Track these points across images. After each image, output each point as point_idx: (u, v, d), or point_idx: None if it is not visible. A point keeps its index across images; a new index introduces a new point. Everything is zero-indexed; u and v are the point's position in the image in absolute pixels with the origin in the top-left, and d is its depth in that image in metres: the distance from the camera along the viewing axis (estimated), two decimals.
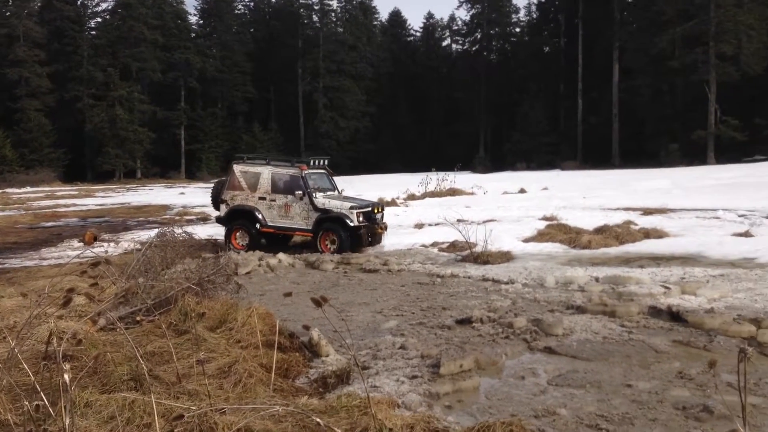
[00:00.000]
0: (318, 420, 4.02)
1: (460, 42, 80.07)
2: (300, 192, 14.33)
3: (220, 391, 5.02)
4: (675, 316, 8.01)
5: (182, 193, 40.03)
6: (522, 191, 28.30)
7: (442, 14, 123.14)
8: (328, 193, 15.03)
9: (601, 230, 14.90)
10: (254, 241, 14.61)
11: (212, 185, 16.35)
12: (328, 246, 14.19)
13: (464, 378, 5.94)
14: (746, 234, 13.84)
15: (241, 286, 8.27)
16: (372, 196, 26.26)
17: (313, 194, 14.42)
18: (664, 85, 52.63)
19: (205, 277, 7.53)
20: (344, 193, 15.85)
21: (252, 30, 78.77)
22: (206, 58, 70.44)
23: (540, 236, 15.02)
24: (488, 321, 7.97)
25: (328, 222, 14.24)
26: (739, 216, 16.74)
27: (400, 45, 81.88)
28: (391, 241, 15.40)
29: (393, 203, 24.93)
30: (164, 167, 66.33)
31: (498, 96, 69.78)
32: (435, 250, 14.56)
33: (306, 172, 14.62)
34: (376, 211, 14.80)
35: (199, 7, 74.88)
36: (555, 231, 15.18)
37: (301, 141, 72.32)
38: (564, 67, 66.32)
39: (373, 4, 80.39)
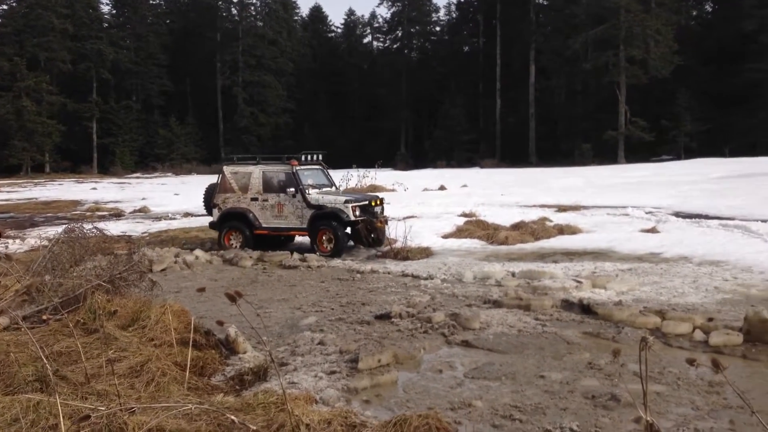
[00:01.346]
0: (232, 417, 3.95)
1: (381, 39, 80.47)
2: (292, 189, 13.49)
3: (132, 391, 4.87)
4: (586, 308, 8.29)
5: (94, 189, 38.62)
6: (442, 188, 28.66)
7: (363, 11, 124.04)
8: (324, 189, 14.17)
9: (517, 226, 15.26)
10: (248, 243, 13.86)
11: (205, 188, 15.11)
12: (326, 246, 13.24)
13: (382, 372, 5.97)
14: (653, 230, 14.45)
15: (156, 283, 8.03)
16: None
17: (306, 190, 13.56)
18: (578, 86, 54.40)
19: (116, 274, 7.28)
20: (341, 189, 15.22)
21: (168, 21, 76.65)
22: (120, 49, 68.13)
23: (459, 232, 15.26)
24: (407, 316, 8.04)
25: (323, 219, 13.33)
26: (647, 213, 17.47)
27: (321, 41, 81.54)
28: None
29: None
30: (75, 162, 63.71)
31: (419, 93, 70.41)
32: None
33: (297, 167, 13.77)
34: (374, 204, 13.91)
35: None
36: (474, 227, 15.44)
37: (220, 136, 71.03)
38: (483, 66, 67.54)
39: None
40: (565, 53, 52.62)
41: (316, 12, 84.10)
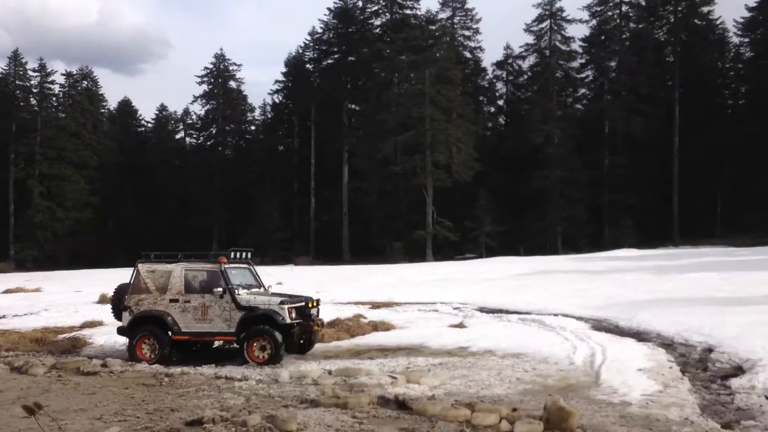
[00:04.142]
0: None
1: (195, 136, 79.52)
2: (219, 289, 12.10)
3: None
4: (401, 404, 8.40)
5: None
6: None
7: (176, 107, 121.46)
8: (254, 290, 12.89)
9: (333, 324, 15.35)
10: (165, 351, 12.14)
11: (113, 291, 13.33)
12: (257, 354, 11.80)
13: None
14: (460, 325, 15.19)
15: None
16: (95, 293, 24.45)
17: (236, 290, 12.27)
18: (389, 187, 56.99)
19: None
20: (271, 289, 13.56)
21: None
22: None
23: None
24: (221, 420, 7.65)
25: (255, 322, 11.95)
26: (454, 308, 18.39)
27: (130, 135, 78.86)
28: (114, 340, 14.32)
29: None
30: None
31: (233, 190, 69.95)
32: None
33: (226, 265, 12.50)
34: (310, 305, 12.70)
35: None
36: None
37: (10, 231, 65.24)
38: (297, 165, 68.81)
39: (100, 92, 76.98)
40: (376, 156, 55.17)
41: (125, 105, 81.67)
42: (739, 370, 9.88)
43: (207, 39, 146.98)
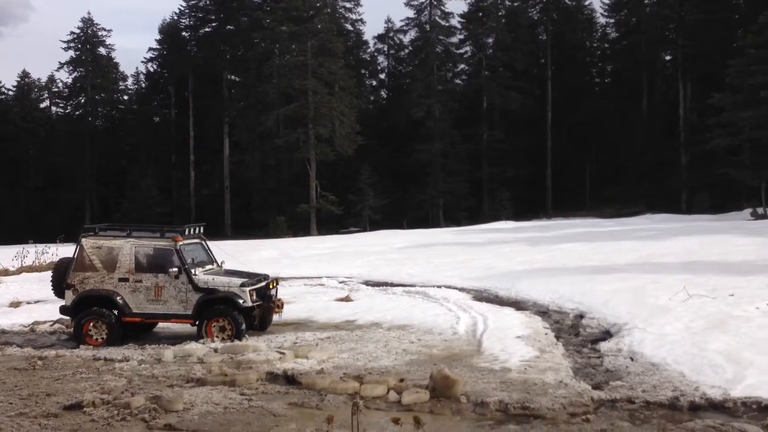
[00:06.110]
0: None
1: (62, 105, 74.92)
2: (175, 269, 11.39)
3: None
4: (290, 379, 8.47)
5: None
6: None
7: (39, 74, 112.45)
8: (208, 267, 12.21)
9: None
10: (115, 334, 11.31)
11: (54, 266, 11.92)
12: (216, 334, 11.26)
13: None
14: (347, 299, 15.34)
15: None
16: None
17: (192, 271, 11.55)
18: (272, 160, 56.20)
19: None
20: (224, 266, 12.76)
21: None
22: None
23: None
24: (102, 404, 7.43)
25: (215, 305, 11.42)
26: (340, 282, 18.51)
27: None
28: None
29: None
30: None
31: (105, 163, 66.75)
32: (38, 329, 13.20)
33: (181, 243, 11.69)
34: (270, 286, 12.21)
35: None
36: None
37: None
38: (175, 138, 66.49)
39: None
40: (258, 129, 54.19)
41: None
42: (607, 334, 10.61)
43: (73, 2, 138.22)
